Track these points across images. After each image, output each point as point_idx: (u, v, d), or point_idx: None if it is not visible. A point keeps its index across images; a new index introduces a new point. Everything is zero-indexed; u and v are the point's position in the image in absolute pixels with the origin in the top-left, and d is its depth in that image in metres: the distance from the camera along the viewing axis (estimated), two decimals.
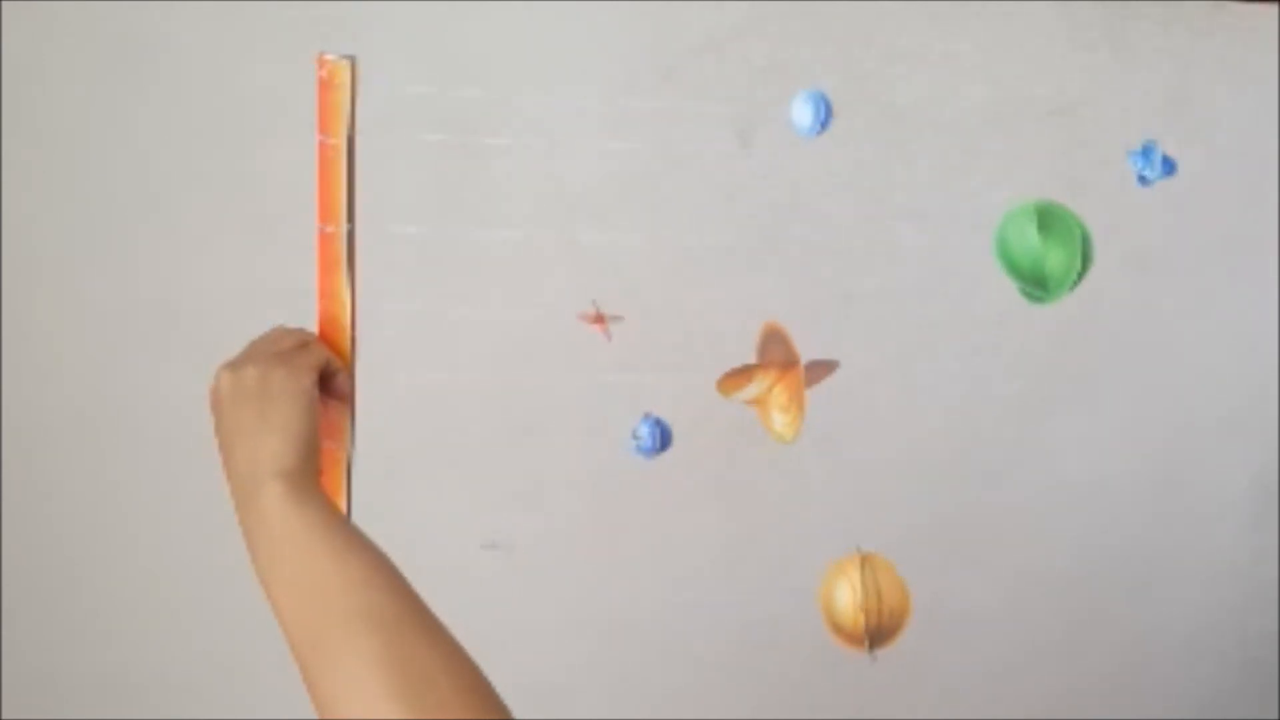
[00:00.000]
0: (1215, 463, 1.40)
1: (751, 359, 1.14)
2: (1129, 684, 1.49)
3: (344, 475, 0.72)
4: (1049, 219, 0.90)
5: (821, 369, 0.82)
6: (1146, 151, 0.86)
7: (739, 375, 0.83)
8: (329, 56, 0.65)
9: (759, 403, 0.85)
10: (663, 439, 0.95)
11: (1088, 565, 1.42)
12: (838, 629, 0.92)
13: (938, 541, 1.34)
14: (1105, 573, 1.43)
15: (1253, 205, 1.29)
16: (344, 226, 0.68)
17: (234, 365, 0.65)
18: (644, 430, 0.94)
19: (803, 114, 0.77)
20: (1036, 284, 0.85)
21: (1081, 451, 1.35)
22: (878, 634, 0.93)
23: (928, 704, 1.42)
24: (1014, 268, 0.85)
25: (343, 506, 0.73)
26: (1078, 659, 1.46)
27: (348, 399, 0.71)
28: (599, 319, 0.82)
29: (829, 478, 1.27)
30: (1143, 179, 0.86)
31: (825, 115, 0.75)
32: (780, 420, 0.84)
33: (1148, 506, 1.41)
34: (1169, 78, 1.21)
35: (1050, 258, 0.86)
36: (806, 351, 1.17)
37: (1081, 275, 0.91)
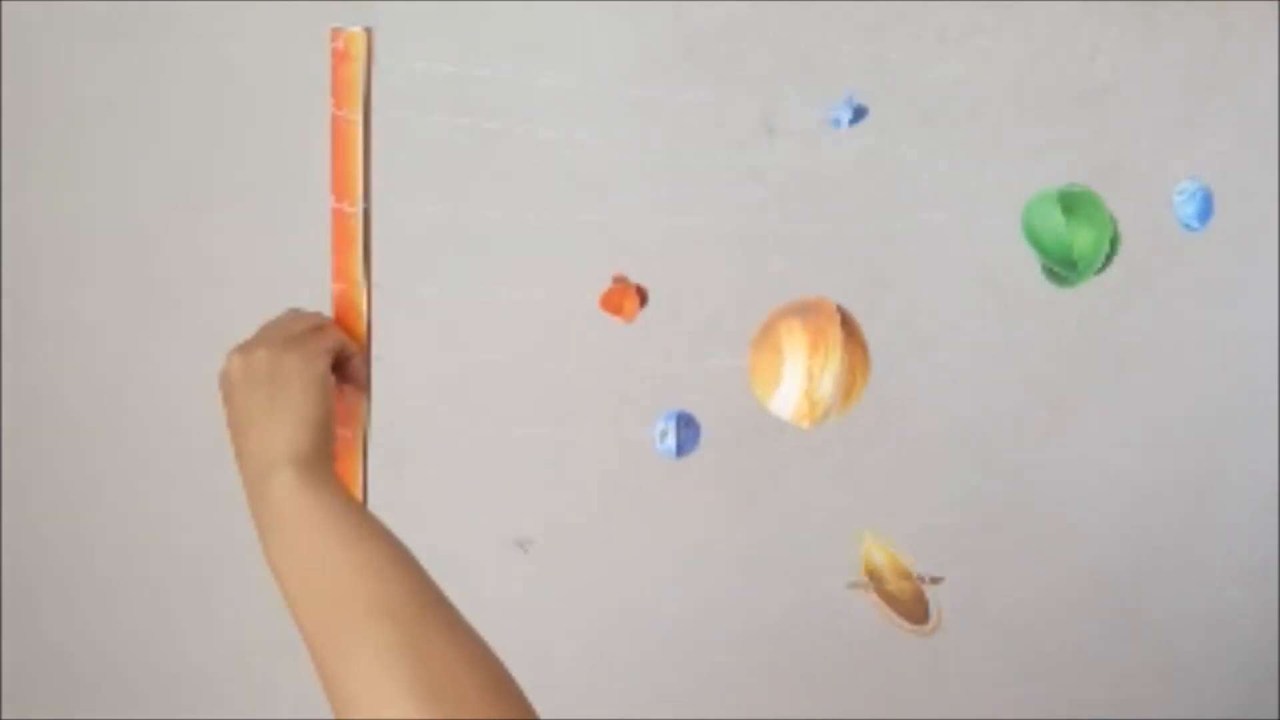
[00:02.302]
0: (1244, 458, 1.39)
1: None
2: (1153, 680, 1.48)
3: (360, 463, 0.70)
4: (1074, 202, 0.89)
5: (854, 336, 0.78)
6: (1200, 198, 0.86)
7: (767, 348, 0.79)
8: (344, 28, 0.63)
9: (805, 415, 0.82)
10: (690, 439, 0.93)
11: (1114, 561, 1.41)
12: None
13: (961, 537, 1.32)
14: (1131, 569, 1.42)
15: None
16: (359, 205, 0.65)
17: (245, 348, 0.63)
18: (669, 429, 0.91)
19: (836, 111, 0.76)
20: (1064, 265, 0.83)
21: (1108, 447, 1.34)
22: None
23: (950, 702, 1.41)
24: (1042, 250, 0.84)
25: (358, 495, 0.71)
26: (1102, 655, 1.45)
27: (363, 385, 0.69)
28: (625, 301, 0.80)
29: (853, 473, 1.25)
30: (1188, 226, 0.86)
31: (856, 113, 0.74)
32: (829, 388, 0.81)
33: (1175, 503, 1.40)
34: (1196, 65, 1.19)
35: (1078, 238, 0.84)
36: None
37: (1110, 258, 0.89)
